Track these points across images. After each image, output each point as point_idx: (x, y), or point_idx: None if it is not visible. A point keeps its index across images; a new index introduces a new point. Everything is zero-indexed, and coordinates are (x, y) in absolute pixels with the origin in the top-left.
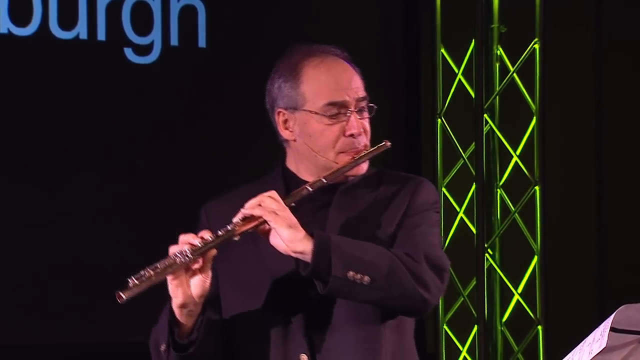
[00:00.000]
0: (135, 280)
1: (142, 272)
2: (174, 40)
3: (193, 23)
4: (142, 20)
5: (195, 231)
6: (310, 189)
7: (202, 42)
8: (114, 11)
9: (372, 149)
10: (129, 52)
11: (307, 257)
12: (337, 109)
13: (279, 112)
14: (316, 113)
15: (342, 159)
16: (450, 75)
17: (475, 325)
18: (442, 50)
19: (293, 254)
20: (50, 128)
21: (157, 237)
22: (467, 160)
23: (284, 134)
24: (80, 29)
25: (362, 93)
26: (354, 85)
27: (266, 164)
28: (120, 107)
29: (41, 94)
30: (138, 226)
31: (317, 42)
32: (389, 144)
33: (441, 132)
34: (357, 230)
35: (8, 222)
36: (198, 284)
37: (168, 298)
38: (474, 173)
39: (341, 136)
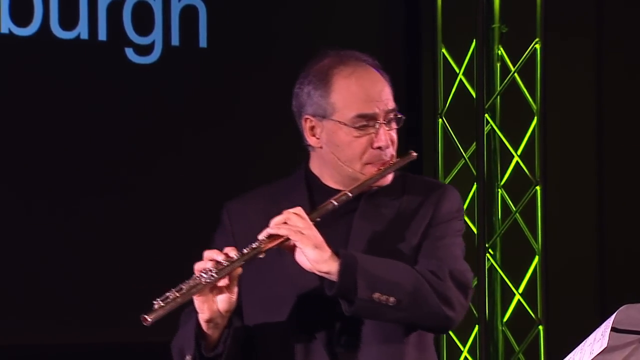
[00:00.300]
0: (161, 302)
1: (167, 294)
2: (175, 40)
3: (194, 23)
4: (143, 20)
5: (217, 231)
6: (335, 203)
7: (203, 42)
8: (114, 11)
9: (398, 160)
10: (129, 52)
11: (333, 277)
12: (366, 121)
13: (307, 119)
14: (345, 124)
15: (369, 170)
16: (451, 75)
17: (476, 325)
18: (443, 50)
19: (318, 273)
20: (51, 128)
21: (158, 236)
22: (468, 160)
23: (310, 140)
24: (81, 29)
25: (391, 105)
26: (384, 97)
27: (267, 163)
28: (120, 107)
29: (42, 94)
30: (139, 226)
31: (320, 42)
32: (414, 154)
33: (442, 132)
34: (381, 240)
35: (8, 223)
36: (224, 300)
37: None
38: (474, 173)
39: (369, 148)
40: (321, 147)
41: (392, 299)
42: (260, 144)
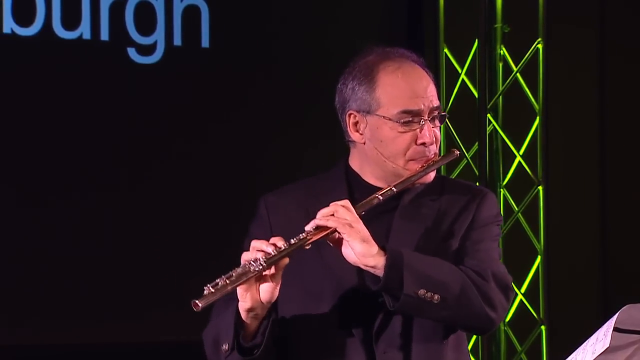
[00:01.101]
0: (211, 289)
1: (217, 281)
2: (177, 40)
3: (196, 23)
4: (145, 20)
5: (253, 222)
6: (380, 198)
7: (205, 42)
8: (117, 11)
9: (441, 157)
10: (132, 52)
11: (379, 272)
12: (410, 117)
13: (350, 114)
14: (390, 119)
15: (412, 166)
16: (453, 75)
17: None
18: (445, 50)
19: (364, 267)
20: (53, 128)
21: (159, 237)
22: (470, 160)
23: (354, 136)
24: (84, 29)
25: (436, 102)
26: (429, 94)
27: (271, 162)
28: (123, 107)
29: (44, 94)
30: (140, 226)
31: (322, 42)
32: (457, 152)
33: (444, 132)
34: (421, 239)
35: (9, 223)
36: (268, 290)
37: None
38: (477, 173)
39: (412, 144)
40: (364, 143)
41: (437, 297)
42: (264, 143)
